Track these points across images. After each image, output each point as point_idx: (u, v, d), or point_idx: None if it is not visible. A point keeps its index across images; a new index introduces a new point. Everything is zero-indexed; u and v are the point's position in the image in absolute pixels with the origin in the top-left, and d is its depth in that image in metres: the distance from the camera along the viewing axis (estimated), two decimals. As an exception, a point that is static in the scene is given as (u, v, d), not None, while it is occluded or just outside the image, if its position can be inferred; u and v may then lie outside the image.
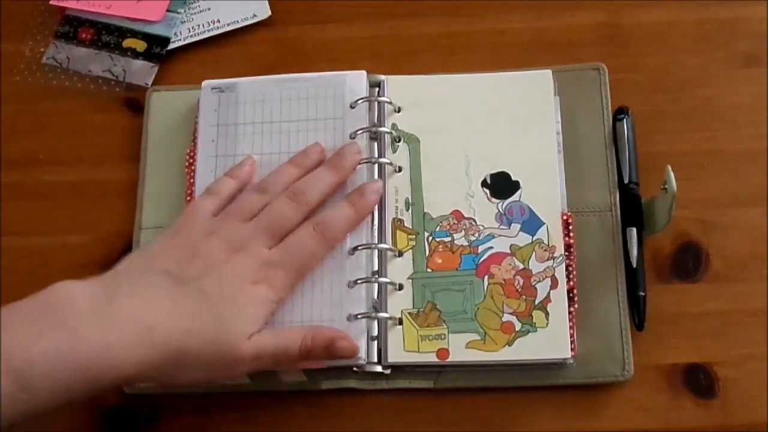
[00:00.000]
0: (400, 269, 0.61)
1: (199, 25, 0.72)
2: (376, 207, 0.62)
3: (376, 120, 0.65)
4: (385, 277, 0.60)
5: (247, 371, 0.56)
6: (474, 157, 0.63)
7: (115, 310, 0.50)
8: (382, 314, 0.59)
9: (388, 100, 0.65)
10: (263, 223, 0.57)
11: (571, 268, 0.60)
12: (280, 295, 0.56)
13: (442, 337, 0.59)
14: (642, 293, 0.60)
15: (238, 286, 0.54)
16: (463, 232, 0.61)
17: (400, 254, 0.61)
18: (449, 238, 0.61)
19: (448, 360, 0.58)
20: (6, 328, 0.47)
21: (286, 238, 0.57)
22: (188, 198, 0.64)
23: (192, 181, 0.64)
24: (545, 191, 0.62)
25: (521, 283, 0.59)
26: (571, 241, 0.60)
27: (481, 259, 0.60)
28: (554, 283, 0.59)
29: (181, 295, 0.52)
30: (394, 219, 0.62)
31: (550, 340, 0.58)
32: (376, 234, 0.61)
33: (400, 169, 0.63)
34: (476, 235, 0.61)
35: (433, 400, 0.59)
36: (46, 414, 0.48)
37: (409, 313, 0.59)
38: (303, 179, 0.60)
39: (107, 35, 0.73)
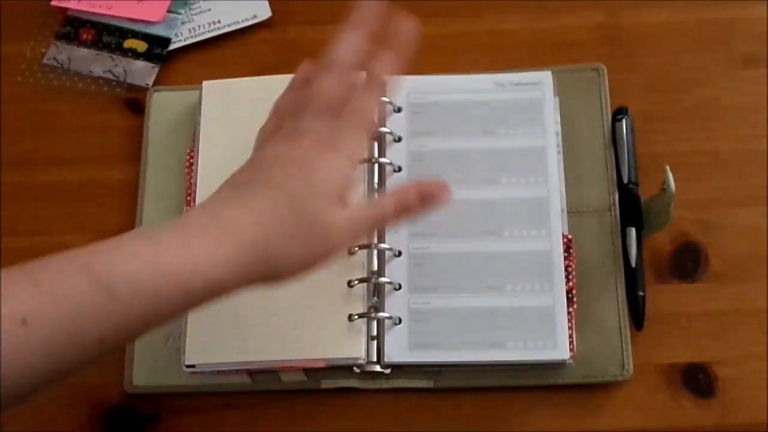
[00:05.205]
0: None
1: (199, 26, 0.73)
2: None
3: (375, 120, 0.65)
4: (385, 277, 0.61)
5: (347, 244, 0.54)
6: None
7: (187, 216, 0.50)
8: (382, 314, 0.59)
9: (388, 100, 0.65)
10: (316, 101, 0.53)
11: (570, 269, 0.60)
12: (352, 161, 0.51)
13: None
14: (641, 293, 0.60)
15: (305, 157, 0.50)
16: (462, 232, 0.61)
17: (399, 254, 0.61)
18: (449, 238, 0.61)
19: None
20: (89, 246, 0.46)
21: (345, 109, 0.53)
22: (188, 198, 0.64)
23: (192, 181, 0.64)
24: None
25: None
26: (571, 261, 0.60)
27: (481, 259, 0.61)
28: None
29: (248, 194, 0.49)
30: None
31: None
32: (375, 234, 0.62)
33: (399, 169, 0.63)
34: (476, 235, 0.61)
35: (433, 400, 0.59)
36: (144, 329, 0.46)
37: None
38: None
39: (108, 36, 0.73)
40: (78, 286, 0.44)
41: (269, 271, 0.48)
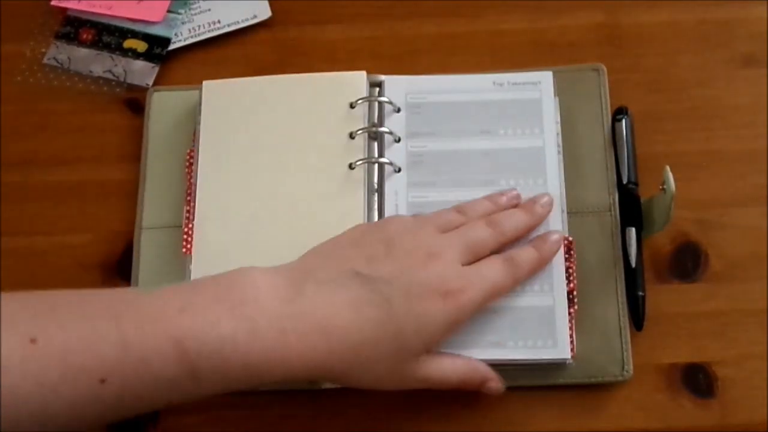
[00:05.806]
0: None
1: (199, 26, 0.73)
2: (375, 208, 0.62)
3: (376, 120, 0.65)
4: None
5: (410, 388, 0.55)
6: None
7: (298, 309, 0.49)
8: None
9: (387, 100, 0.65)
10: (461, 238, 0.56)
11: (571, 270, 0.60)
12: (462, 317, 0.54)
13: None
14: (641, 293, 0.60)
15: (426, 298, 0.52)
16: (462, 232, 0.61)
17: (400, 254, 0.61)
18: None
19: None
20: (185, 307, 0.47)
21: (479, 261, 0.56)
22: (188, 198, 0.64)
23: (192, 181, 0.64)
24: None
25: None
26: (572, 262, 0.60)
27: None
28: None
29: (366, 302, 0.51)
30: (393, 219, 0.62)
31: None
32: (375, 234, 0.62)
33: (399, 170, 0.63)
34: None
35: (433, 400, 0.59)
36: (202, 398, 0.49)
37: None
38: (501, 213, 0.59)
39: (108, 36, 0.73)
40: (165, 359, 0.45)
41: (341, 378, 0.53)
